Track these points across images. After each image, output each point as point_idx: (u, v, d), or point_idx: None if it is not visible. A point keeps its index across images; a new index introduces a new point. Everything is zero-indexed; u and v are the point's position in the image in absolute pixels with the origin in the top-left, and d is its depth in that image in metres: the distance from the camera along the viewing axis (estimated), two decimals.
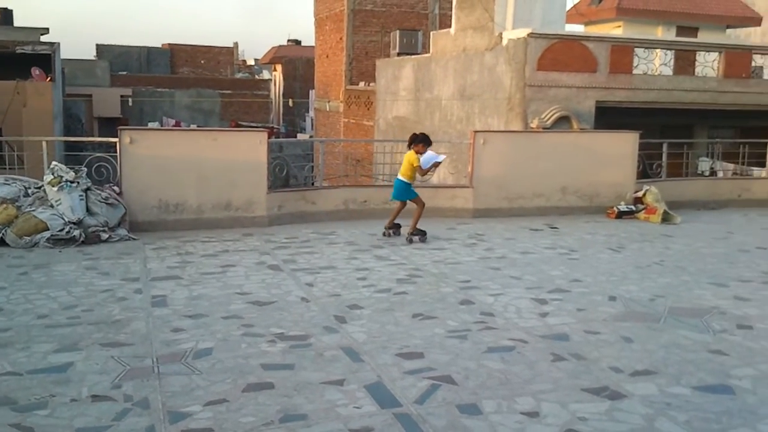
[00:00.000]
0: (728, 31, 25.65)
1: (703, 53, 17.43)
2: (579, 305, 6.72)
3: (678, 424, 4.27)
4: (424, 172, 9.62)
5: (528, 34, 15.64)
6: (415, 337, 5.70)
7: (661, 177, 13.36)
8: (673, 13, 24.79)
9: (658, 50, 17.05)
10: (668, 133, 16.26)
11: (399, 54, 25.64)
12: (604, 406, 4.50)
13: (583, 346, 5.61)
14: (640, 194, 12.14)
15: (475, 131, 11.98)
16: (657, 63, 17.09)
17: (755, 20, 24.66)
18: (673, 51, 17.19)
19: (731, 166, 16.54)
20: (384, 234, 9.83)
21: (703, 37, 22.81)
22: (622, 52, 16.43)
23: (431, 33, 22.04)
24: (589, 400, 4.58)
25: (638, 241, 9.92)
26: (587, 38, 16.61)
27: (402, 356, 5.27)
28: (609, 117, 16.30)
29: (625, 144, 12.34)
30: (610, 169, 12.17)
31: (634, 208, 11.91)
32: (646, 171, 13.37)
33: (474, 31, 17.81)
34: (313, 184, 14.14)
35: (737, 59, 17.44)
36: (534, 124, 15.36)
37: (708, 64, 17.44)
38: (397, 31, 27.05)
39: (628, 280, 7.73)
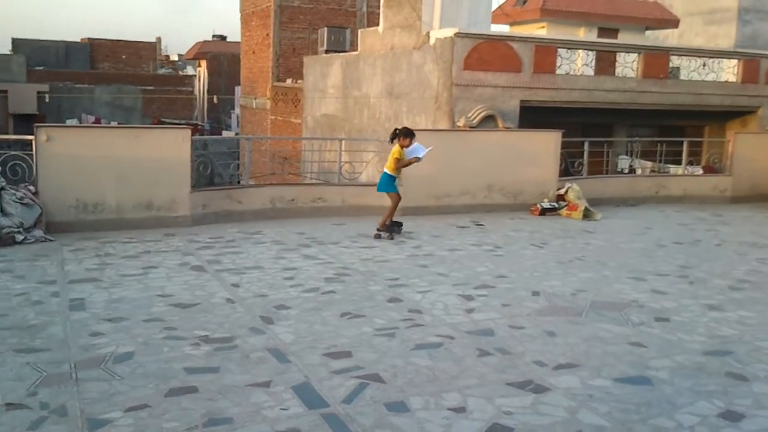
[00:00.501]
0: (647, 32, 26.54)
1: (623, 54, 17.96)
2: (504, 301, 6.82)
3: (599, 415, 4.38)
4: (404, 165, 9.87)
5: (455, 34, 15.79)
6: (343, 337, 5.67)
7: (582, 175, 13.71)
8: (594, 15, 25.48)
9: (580, 51, 17.48)
10: (589, 132, 16.70)
11: (327, 51, 25.50)
12: (528, 400, 4.58)
13: (508, 340, 5.70)
14: (562, 191, 12.43)
15: None
16: (579, 63, 17.51)
17: (673, 22, 25.58)
18: (595, 52, 17.65)
19: (649, 164, 17.12)
20: (382, 235, 9.86)
21: (623, 38, 23.55)
22: (546, 53, 16.77)
23: (359, 31, 22.02)
24: (515, 394, 4.65)
25: (560, 237, 10.15)
26: (512, 38, 16.88)
27: (330, 356, 5.23)
28: (533, 116, 16.63)
29: (548, 143, 12.62)
30: (534, 167, 12.42)
31: (556, 205, 12.19)
32: (568, 169, 13.70)
33: (402, 30, 17.89)
34: (238, 182, 13.92)
35: (656, 60, 18.05)
36: (461, 123, 15.52)
37: (628, 64, 17.99)
38: (325, 28, 26.89)
39: (551, 275, 7.90)
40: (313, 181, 15.04)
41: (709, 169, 16.33)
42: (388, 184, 9.93)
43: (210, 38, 63.94)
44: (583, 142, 14.15)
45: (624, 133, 19.86)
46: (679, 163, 15.91)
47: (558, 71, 16.99)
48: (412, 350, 5.43)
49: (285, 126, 29.51)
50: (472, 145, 12.23)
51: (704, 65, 18.96)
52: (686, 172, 15.50)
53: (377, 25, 19.75)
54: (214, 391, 4.54)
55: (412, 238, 9.80)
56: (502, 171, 12.21)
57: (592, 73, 17.55)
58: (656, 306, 6.81)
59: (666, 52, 18.47)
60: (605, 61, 17.81)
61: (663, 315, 6.51)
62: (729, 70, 19.24)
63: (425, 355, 5.33)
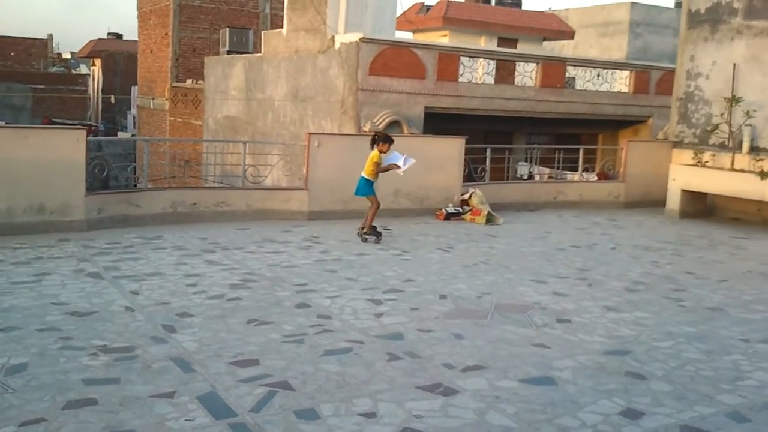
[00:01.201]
0: (544, 43, 27.49)
1: (522, 64, 18.52)
2: (412, 304, 6.85)
3: (507, 416, 4.45)
4: (382, 170, 9.96)
5: (360, 39, 15.83)
6: (250, 344, 5.54)
7: (485, 180, 14.00)
8: (494, 25, 26.16)
9: (481, 59, 17.90)
10: (491, 139, 17.10)
11: (229, 52, 25.05)
12: (438, 403, 4.60)
13: (417, 344, 5.72)
14: (466, 197, 12.66)
15: (310, 133, 11.94)
16: (480, 72, 17.92)
17: (568, 34, 26.61)
18: (495, 61, 18.12)
19: (547, 170, 17.70)
20: (368, 239, 9.95)
21: (522, 48, 24.27)
22: (449, 60, 17.08)
23: (263, 32, 21.74)
24: (424, 398, 4.66)
25: (465, 242, 10.32)
26: (416, 45, 17.10)
27: (236, 364, 5.09)
28: (436, 122, 16.89)
29: (452, 149, 12.81)
30: (439, 173, 12.58)
31: (460, 210, 12.40)
32: (471, 174, 13.96)
33: (306, 33, 17.78)
34: (135, 185, 13.42)
35: (553, 70, 18.71)
36: (366, 127, 15.57)
37: (527, 74, 18.56)
38: (227, 29, 26.42)
39: (457, 278, 8.01)
40: (216, 185, 14.69)
41: (604, 176, 17.05)
42: (366, 187, 9.97)
43: (105, 36, 61.59)
44: (485, 149, 14.46)
45: (523, 141, 20.48)
46: (575, 169, 16.51)
47: (461, 79, 17.34)
48: (321, 356, 5.36)
49: (185, 128, 28.75)
50: None
51: (598, 76, 19.81)
52: (582, 178, 16.10)
53: (281, 27, 19.57)
54: (114, 403, 4.33)
55: (319, 243, 9.72)
56: (408, 176, 12.23)
57: (493, 82, 18.01)
58: (558, 308, 7.00)
59: (563, 62, 19.18)
60: (505, 70, 18.31)
61: (564, 316, 6.71)
62: (621, 81, 20.18)
63: (335, 360, 5.27)
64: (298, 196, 11.56)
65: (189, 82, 29.67)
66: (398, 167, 9.94)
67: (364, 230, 9.95)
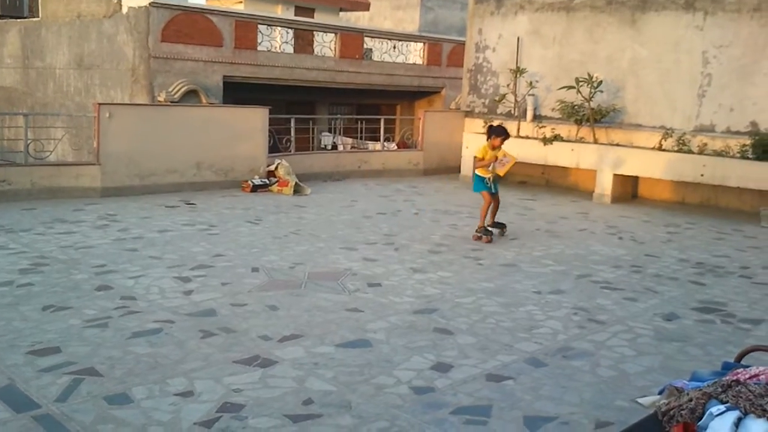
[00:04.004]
0: (341, 14, 27.74)
1: (321, 34, 18.58)
2: (223, 279, 6.69)
3: (326, 380, 4.51)
4: (485, 164, 8.88)
5: (150, 4, 15.00)
6: (48, 332, 5.12)
7: (290, 151, 13.95)
8: None
9: (279, 28, 17.70)
10: (294, 110, 17.07)
11: (2, 17, 22.65)
12: (257, 375, 4.55)
13: (231, 319, 5.60)
14: (272, 168, 12.54)
15: (100, 104, 11.15)
16: (279, 41, 17.74)
17: (364, 5, 27.05)
18: (293, 30, 18.01)
19: (350, 140, 18.02)
20: (483, 237, 8.99)
21: (319, 18, 24.30)
22: (246, 28, 16.71)
23: None
24: (242, 371, 4.59)
25: (274, 213, 10.24)
26: (211, 12, 16.53)
27: (35, 353, 4.69)
28: (237, 92, 16.52)
29: (256, 119, 12.60)
30: (244, 144, 12.34)
31: (267, 182, 12.27)
32: (276, 145, 13.86)
33: None
34: None
35: (351, 41, 18.96)
36: (161, 97, 14.86)
37: (326, 44, 18.65)
38: None
39: (268, 250, 7.93)
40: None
41: (403, 145, 17.68)
42: (477, 183, 9.08)
43: None
44: (289, 119, 14.39)
45: (326, 111, 20.66)
46: (377, 139, 16.95)
47: (259, 48, 17.07)
48: (129, 339, 5.08)
49: None
50: (178, 120, 11.76)
51: (394, 48, 20.40)
52: (383, 147, 16.56)
53: None
54: None
55: (117, 221, 9.16)
56: (211, 148, 11.94)
57: (293, 51, 17.91)
58: (368, 272, 7.18)
59: (360, 33, 19.49)
60: (304, 40, 18.29)
61: (375, 280, 6.89)
62: (416, 53, 20.93)
63: (144, 342, 5.02)
64: (89, 172, 10.79)
65: None
66: (502, 166, 8.91)
67: (480, 229, 9.03)
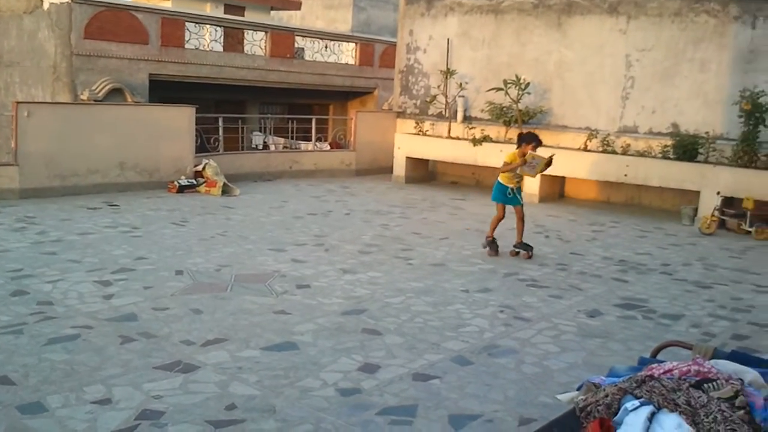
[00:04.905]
0: (272, 12, 27.41)
1: (251, 32, 18.32)
2: (146, 283, 6.50)
3: (250, 385, 4.41)
4: (511, 169, 8.21)
5: (72, 0, 14.51)
6: None
7: (219, 151, 13.70)
8: None
9: (208, 26, 17.38)
10: (223, 109, 16.79)
11: None
12: (178, 381, 4.42)
13: (152, 323, 5.44)
14: (200, 168, 12.28)
15: (18, 102, 10.72)
16: (208, 39, 17.42)
17: (295, 4, 26.80)
18: (223, 28, 17.71)
19: (282, 140, 17.82)
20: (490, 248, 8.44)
21: (250, 16, 23.96)
22: (174, 26, 16.34)
23: None
24: (163, 377, 4.46)
25: (201, 214, 10.03)
26: (136, 9, 16.08)
27: None
28: (164, 91, 16.14)
29: (182, 118, 12.32)
30: (169, 143, 12.05)
31: (195, 182, 12.01)
32: (204, 145, 13.59)
33: None
34: None
35: (282, 40, 18.76)
36: (84, 95, 14.39)
37: (256, 43, 18.40)
38: None
39: (193, 252, 7.75)
40: None
41: (336, 145, 17.60)
42: (496, 191, 8.43)
43: None
44: (217, 119, 14.13)
45: (257, 110, 20.39)
46: (309, 139, 16.82)
47: (187, 46, 16.73)
48: (44, 345, 4.87)
49: None
50: (100, 119, 11.39)
51: (326, 47, 20.29)
52: (315, 147, 16.45)
53: None
54: None
55: (35, 224, 8.81)
56: (135, 147, 11.62)
57: (222, 50, 17.62)
58: (297, 274, 7.09)
59: (291, 32, 19.32)
60: (234, 38, 18.01)
61: (304, 282, 6.81)
62: (348, 53, 20.87)
63: (61, 349, 4.83)
64: (6, 173, 10.35)
65: None
66: (532, 170, 8.25)
67: (486, 238, 8.51)
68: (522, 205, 8.44)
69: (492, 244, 8.45)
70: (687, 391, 2.67)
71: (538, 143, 8.21)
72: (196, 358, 4.79)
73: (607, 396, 2.81)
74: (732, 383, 2.68)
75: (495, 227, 8.49)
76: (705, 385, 2.72)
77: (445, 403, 4.30)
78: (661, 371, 2.95)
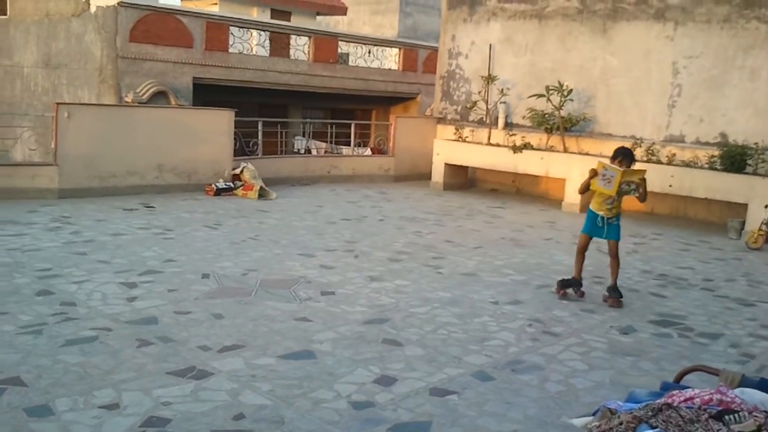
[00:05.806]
0: (318, 18, 27.54)
1: (295, 37, 18.37)
2: (171, 286, 6.47)
3: (261, 394, 4.31)
4: (583, 188, 6.79)
5: (118, 3, 14.73)
6: None
7: (257, 154, 13.73)
8: None
9: (253, 31, 17.49)
10: (265, 112, 16.86)
11: None
12: (189, 387, 4.34)
13: (171, 327, 5.39)
14: (237, 171, 12.31)
15: (58, 103, 10.89)
16: (253, 43, 17.53)
17: (342, 9, 26.86)
18: (268, 33, 17.80)
19: (324, 144, 17.81)
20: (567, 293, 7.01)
21: (296, 22, 24.09)
22: (218, 30, 16.48)
23: None
24: (174, 383, 4.38)
25: (235, 218, 10.02)
26: (182, 13, 16.26)
27: None
28: (207, 94, 16.27)
29: (221, 121, 12.37)
30: (208, 147, 12.10)
31: (232, 185, 12.04)
32: (243, 148, 13.63)
33: None
34: None
35: (326, 45, 18.76)
36: (129, 98, 14.58)
37: (300, 47, 18.45)
38: None
39: (222, 256, 7.71)
40: None
41: (377, 151, 17.49)
42: (585, 220, 6.96)
43: None
44: (257, 122, 14.17)
45: (299, 115, 20.44)
46: (349, 144, 16.77)
47: (231, 50, 16.84)
48: (61, 347, 4.85)
49: None
50: (141, 122, 11.50)
51: (370, 53, 20.22)
52: (355, 153, 16.38)
53: None
54: None
55: (70, 224, 8.90)
56: (174, 150, 11.70)
57: (267, 54, 17.70)
58: (323, 280, 6.98)
59: (335, 37, 19.31)
60: (279, 43, 18.08)
61: (329, 289, 6.70)
62: (392, 58, 20.78)
63: (77, 351, 4.80)
64: (46, 173, 10.52)
65: None
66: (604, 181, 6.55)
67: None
68: (617, 240, 6.84)
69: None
70: (706, 423, 2.47)
71: (625, 159, 6.59)
72: (210, 365, 4.70)
73: (621, 424, 2.62)
74: (755, 416, 2.46)
75: (580, 265, 6.94)
76: (726, 417, 2.51)
77: (462, 420, 4.13)
78: (681, 399, 2.74)
